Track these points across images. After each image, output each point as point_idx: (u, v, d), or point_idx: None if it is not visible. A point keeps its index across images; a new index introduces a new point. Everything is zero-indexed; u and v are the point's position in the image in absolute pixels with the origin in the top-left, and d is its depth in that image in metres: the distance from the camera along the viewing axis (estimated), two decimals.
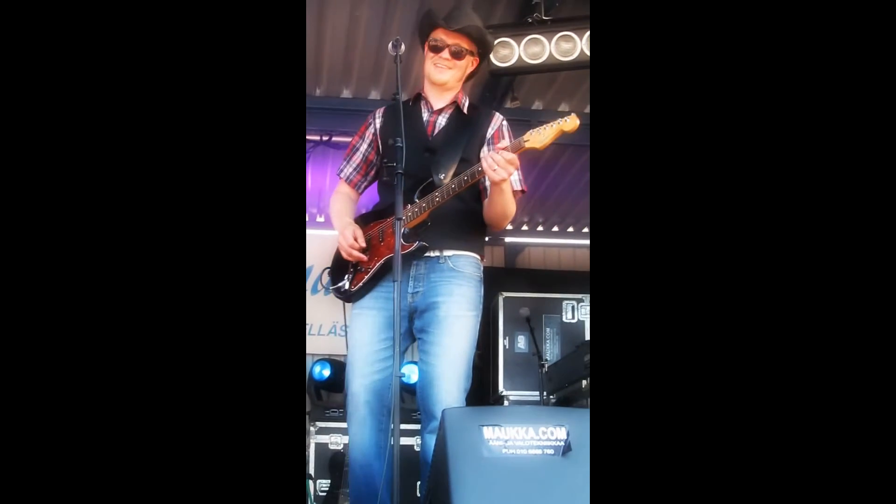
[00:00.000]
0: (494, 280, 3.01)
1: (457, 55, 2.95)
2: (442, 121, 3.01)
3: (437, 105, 3.02)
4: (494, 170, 2.66)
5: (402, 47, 2.74)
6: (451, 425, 2.33)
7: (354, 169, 3.14)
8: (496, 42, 4.21)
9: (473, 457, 2.27)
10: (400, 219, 2.63)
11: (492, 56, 4.15)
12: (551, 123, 2.72)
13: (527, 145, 2.72)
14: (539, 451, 2.31)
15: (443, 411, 2.43)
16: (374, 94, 5.26)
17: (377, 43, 4.69)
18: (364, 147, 3.12)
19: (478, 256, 2.96)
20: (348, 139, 5.31)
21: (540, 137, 2.72)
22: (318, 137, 5.35)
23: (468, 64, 3.00)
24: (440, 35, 2.95)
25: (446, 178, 2.83)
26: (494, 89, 4.97)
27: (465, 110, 3.03)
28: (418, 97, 3.06)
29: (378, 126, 3.07)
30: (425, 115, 3.03)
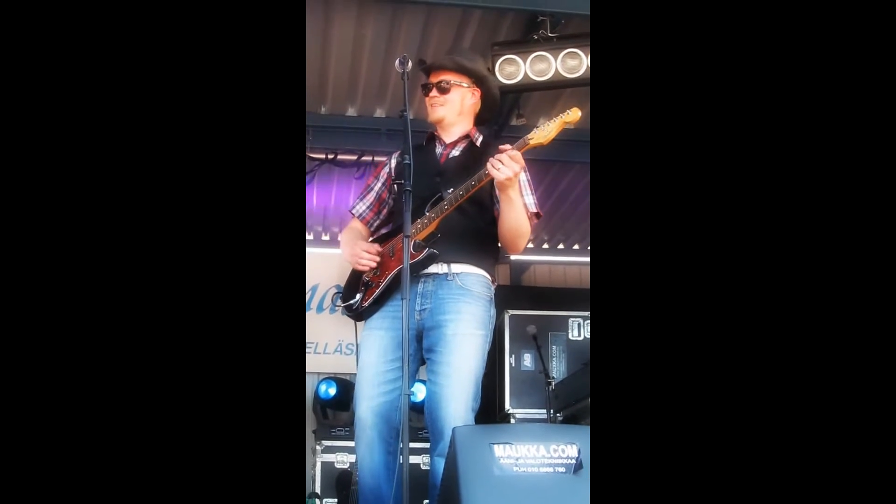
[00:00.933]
0: (500, 298, 3.02)
1: (442, 90, 3.01)
2: (455, 152, 3.06)
3: (448, 140, 3.07)
4: (498, 169, 2.66)
5: (410, 64, 2.76)
6: (461, 443, 2.31)
7: (367, 207, 3.19)
8: (502, 59, 4.24)
9: (484, 475, 2.25)
10: (408, 236, 2.62)
11: (498, 73, 4.17)
12: (554, 119, 2.75)
13: (532, 142, 2.74)
14: (550, 469, 2.28)
15: (453, 429, 2.42)
16: (380, 112, 5.26)
17: (382, 61, 4.70)
18: (378, 186, 3.17)
19: (488, 276, 2.95)
20: (354, 157, 5.41)
21: (544, 133, 2.74)
22: (323, 156, 5.36)
23: (463, 96, 3.04)
24: (429, 79, 3.04)
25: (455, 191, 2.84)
26: (500, 107, 4.97)
27: (478, 144, 3.06)
28: (432, 137, 3.11)
29: (393, 165, 3.11)
30: (438, 149, 3.08)
